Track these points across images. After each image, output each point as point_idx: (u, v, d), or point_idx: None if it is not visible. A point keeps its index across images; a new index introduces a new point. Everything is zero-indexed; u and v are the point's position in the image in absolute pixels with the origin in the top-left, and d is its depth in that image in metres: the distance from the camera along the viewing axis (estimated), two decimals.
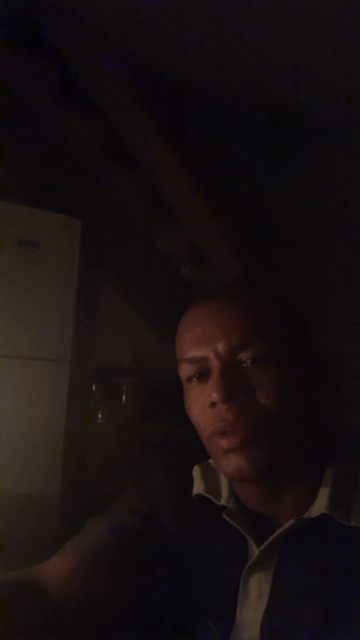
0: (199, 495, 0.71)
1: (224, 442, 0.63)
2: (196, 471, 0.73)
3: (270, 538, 0.64)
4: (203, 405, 0.65)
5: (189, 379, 0.67)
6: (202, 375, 0.66)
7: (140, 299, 2.74)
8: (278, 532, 0.64)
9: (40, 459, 1.91)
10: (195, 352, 0.66)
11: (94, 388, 2.48)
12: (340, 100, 2.19)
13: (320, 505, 0.63)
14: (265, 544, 0.64)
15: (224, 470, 0.65)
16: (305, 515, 0.64)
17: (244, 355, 0.64)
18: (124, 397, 2.50)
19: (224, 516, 0.67)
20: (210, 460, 0.74)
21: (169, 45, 1.99)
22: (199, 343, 0.66)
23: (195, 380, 0.66)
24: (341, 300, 2.36)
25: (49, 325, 1.98)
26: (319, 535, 0.63)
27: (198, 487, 0.71)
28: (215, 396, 0.62)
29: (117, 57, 2.03)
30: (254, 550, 0.65)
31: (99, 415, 2.42)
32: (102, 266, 2.63)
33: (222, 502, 0.69)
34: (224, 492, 0.70)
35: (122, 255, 2.60)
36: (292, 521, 0.63)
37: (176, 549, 0.71)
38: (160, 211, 2.38)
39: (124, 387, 2.51)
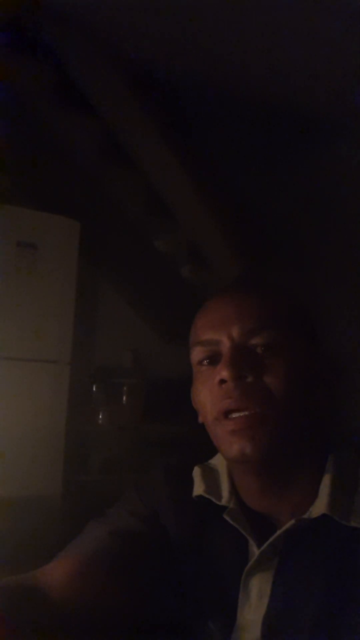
0: (200, 497, 0.71)
1: (229, 424, 0.64)
2: (196, 472, 0.73)
3: (271, 539, 0.64)
4: (211, 386, 0.66)
5: (200, 362, 0.69)
6: (213, 359, 0.67)
7: (140, 300, 2.74)
8: (278, 532, 0.64)
9: (42, 460, 1.91)
10: (209, 335, 0.68)
11: (94, 389, 2.48)
12: (340, 100, 2.19)
13: (320, 506, 0.63)
14: (265, 544, 0.64)
15: (227, 453, 0.66)
16: (306, 516, 0.64)
17: (256, 341, 0.66)
18: (124, 398, 2.50)
19: (225, 517, 0.67)
20: (211, 461, 0.75)
21: (166, 45, 1.99)
22: (214, 327, 0.68)
23: (206, 364, 0.68)
24: (341, 299, 2.36)
25: (48, 326, 1.98)
26: (319, 536, 0.64)
27: (198, 488, 0.71)
28: (224, 373, 0.64)
29: (114, 57, 2.03)
30: (255, 551, 0.66)
31: (100, 416, 2.42)
32: (101, 267, 2.63)
33: (223, 502, 0.69)
34: (225, 493, 0.70)
35: (121, 256, 2.60)
36: (292, 521, 0.64)
37: (177, 550, 0.71)
38: (159, 211, 2.38)
39: (124, 388, 2.51)
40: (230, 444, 0.64)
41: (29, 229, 1.97)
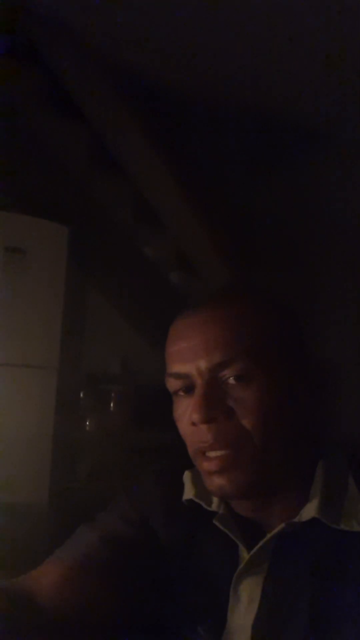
0: (190, 501, 0.71)
1: (206, 464, 0.64)
2: (187, 476, 0.73)
3: (261, 543, 0.64)
4: (188, 421, 0.65)
5: (176, 393, 0.67)
6: (188, 389, 0.66)
7: (129, 306, 2.73)
8: (268, 536, 0.64)
9: (28, 467, 1.89)
10: (178, 368, 0.66)
11: (82, 395, 2.47)
12: (331, 105, 2.21)
13: (310, 509, 0.63)
14: (255, 548, 0.64)
15: (208, 488, 0.66)
16: (296, 519, 0.64)
17: (227, 373, 0.63)
18: (112, 405, 2.49)
19: (215, 522, 0.67)
20: None
21: (157, 52, 2.00)
22: (183, 359, 0.65)
23: (182, 393, 0.66)
24: (333, 305, 2.37)
25: (36, 332, 1.97)
26: (309, 539, 0.64)
27: (189, 493, 0.71)
28: (195, 417, 0.62)
29: (103, 63, 2.04)
30: (245, 555, 0.65)
31: (88, 423, 2.41)
32: (90, 273, 2.63)
33: (213, 507, 0.69)
34: (215, 498, 0.70)
35: (109, 261, 2.59)
36: (282, 525, 0.63)
37: (167, 555, 0.71)
38: (147, 218, 2.38)
39: (113, 394, 2.50)
40: (210, 480, 0.64)
41: (17, 234, 1.96)
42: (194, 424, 0.63)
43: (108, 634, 0.64)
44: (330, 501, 0.64)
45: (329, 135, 2.33)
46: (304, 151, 2.38)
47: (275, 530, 0.64)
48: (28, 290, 1.96)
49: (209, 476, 0.64)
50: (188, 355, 0.65)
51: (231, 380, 0.63)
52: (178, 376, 0.66)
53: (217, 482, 0.63)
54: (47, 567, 0.67)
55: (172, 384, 0.67)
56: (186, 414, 0.65)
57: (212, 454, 0.63)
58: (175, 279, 2.50)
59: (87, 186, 2.26)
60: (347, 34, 1.75)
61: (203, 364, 0.64)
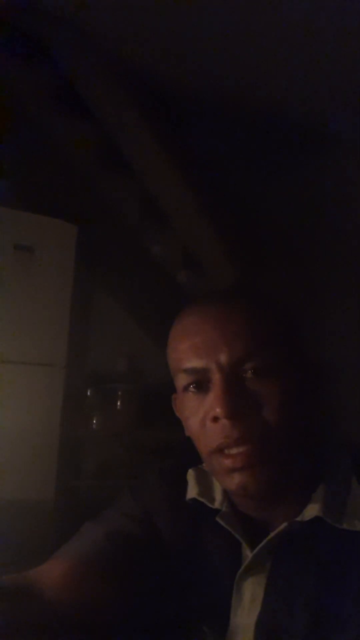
0: (193, 500, 0.71)
1: (228, 462, 0.61)
2: (190, 475, 0.73)
3: (264, 542, 0.64)
4: (203, 418, 0.63)
5: (186, 388, 0.65)
6: (200, 385, 0.64)
7: (136, 304, 2.74)
8: (271, 535, 0.64)
9: (35, 464, 1.90)
10: (194, 363, 0.63)
11: (88, 393, 2.47)
12: (336, 106, 2.21)
13: (313, 509, 0.63)
14: (258, 547, 0.64)
15: (227, 487, 0.64)
16: (298, 519, 0.64)
17: (247, 367, 0.62)
18: (119, 403, 2.50)
19: (218, 520, 0.67)
20: (204, 464, 0.75)
21: (166, 51, 2.00)
22: (199, 353, 0.63)
23: (193, 389, 0.64)
24: (337, 306, 2.36)
25: (44, 330, 1.97)
26: (312, 539, 0.64)
27: (192, 491, 0.71)
28: (219, 411, 0.60)
29: (113, 62, 2.04)
30: (248, 554, 0.66)
31: (94, 421, 2.41)
32: (98, 271, 2.63)
33: (216, 505, 0.69)
34: (218, 496, 0.70)
35: (117, 260, 2.60)
36: (285, 524, 0.64)
37: (170, 553, 0.71)
38: (155, 217, 2.39)
39: (119, 393, 2.50)
40: (230, 479, 0.62)
41: (26, 232, 1.97)
42: (215, 419, 0.61)
43: (112, 631, 0.65)
44: (334, 501, 0.64)
45: (335, 135, 2.33)
46: (310, 151, 2.38)
47: (278, 529, 0.64)
48: (36, 288, 1.97)
49: (228, 474, 0.61)
50: (205, 350, 0.62)
51: (249, 375, 0.62)
52: (193, 371, 0.63)
53: (239, 479, 0.61)
54: (52, 563, 0.67)
55: (183, 380, 0.65)
56: (199, 411, 0.63)
57: (235, 450, 0.61)
58: (182, 277, 2.50)
59: (95, 185, 2.26)
60: (349, 33, 1.75)
61: (224, 358, 0.62)
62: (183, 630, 0.67)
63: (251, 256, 2.55)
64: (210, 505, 0.69)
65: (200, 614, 0.67)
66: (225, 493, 0.70)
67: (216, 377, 0.62)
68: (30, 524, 1.79)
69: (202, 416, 0.63)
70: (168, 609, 0.68)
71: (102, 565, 0.66)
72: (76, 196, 2.27)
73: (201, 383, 0.64)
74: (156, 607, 0.68)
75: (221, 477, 0.64)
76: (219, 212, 2.51)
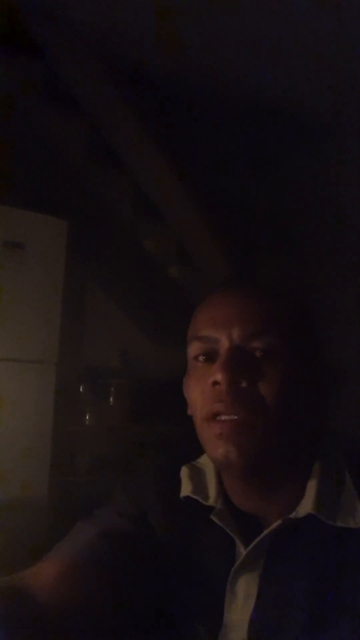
0: (187, 498, 0.71)
1: (216, 428, 0.63)
2: (184, 472, 0.73)
3: (257, 539, 0.64)
4: (204, 385, 0.65)
5: (196, 358, 0.68)
6: (210, 356, 0.66)
7: (128, 300, 2.73)
8: (265, 532, 0.64)
9: (28, 461, 1.89)
10: (208, 332, 0.67)
11: (81, 389, 2.47)
12: (330, 98, 2.21)
13: (306, 506, 0.63)
14: (252, 544, 0.64)
15: (211, 455, 0.66)
16: (292, 516, 0.64)
17: (256, 344, 0.64)
18: (112, 398, 2.49)
19: (212, 517, 0.67)
20: (199, 460, 0.74)
21: (157, 45, 1.99)
22: (215, 324, 0.66)
23: (202, 359, 0.67)
24: (334, 302, 2.36)
25: (35, 326, 1.97)
26: (305, 536, 0.64)
27: (186, 489, 0.71)
28: (219, 376, 0.63)
29: (103, 56, 2.03)
30: (242, 551, 0.66)
31: (87, 417, 2.41)
32: (89, 267, 2.62)
33: (210, 502, 0.69)
34: (212, 492, 0.70)
35: (109, 255, 2.59)
36: (279, 521, 0.64)
37: (164, 551, 0.71)
38: (147, 211, 2.38)
39: (112, 388, 2.50)
40: (215, 446, 0.64)
41: (16, 228, 1.96)
42: (214, 383, 0.63)
43: (106, 630, 0.64)
44: (327, 498, 0.64)
45: (327, 127, 2.32)
46: (302, 143, 2.37)
47: (272, 527, 0.64)
48: (27, 284, 1.96)
49: (215, 441, 0.63)
50: (221, 322, 0.66)
51: (258, 354, 0.64)
52: (206, 340, 0.66)
53: (223, 447, 0.62)
54: (45, 564, 0.67)
55: (195, 349, 0.68)
56: (203, 379, 0.65)
57: (226, 417, 0.63)
58: (175, 273, 2.50)
59: (86, 180, 2.25)
60: (346, 29, 1.74)
61: (236, 332, 0.65)
62: (177, 627, 0.67)
63: (244, 251, 2.55)
64: (204, 503, 0.69)
65: (194, 612, 0.67)
66: (220, 489, 0.70)
67: (224, 347, 0.65)
68: (23, 520, 1.79)
69: (204, 383, 0.65)
70: (162, 606, 0.68)
71: (95, 565, 0.66)
72: (67, 191, 2.26)
73: (211, 354, 0.66)
74: (150, 605, 0.68)
75: (208, 445, 0.65)
76: (212, 206, 2.50)
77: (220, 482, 0.70)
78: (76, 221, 2.10)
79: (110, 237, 2.47)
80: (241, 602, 0.65)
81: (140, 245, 2.47)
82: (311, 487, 0.65)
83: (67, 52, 2.00)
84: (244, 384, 0.63)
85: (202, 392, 0.65)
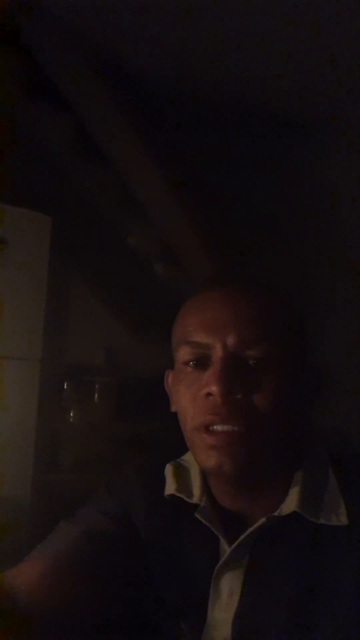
0: (171, 495, 0.70)
1: (211, 439, 0.62)
2: (168, 470, 0.72)
3: (242, 536, 0.64)
4: (195, 393, 0.63)
5: (186, 363, 0.65)
6: (200, 362, 0.64)
7: (113, 297, 2.72)
8: (249, 530, 0.64)
9: (11, 459, 1.88)
10: (201, 337, 0.64)
11: (65, 387, 2.45)
12: (319, 98, 2.21)
13: (290, 504, 0.64)
14: (236, 542, 0.64)
15: (203, 464, 0.65)
16: (276, 514, 0.64)
17: (250, 353, 0.62)
18: (96, 396, 2.48)
19: (196, 515, 0.67)
20: (183, 457, 0.74)
21: (141, 39, 1.98)
22: (207, 329, 0.64)
23: (192, 365, 0.65)
24: (321, 301, 2.37)
25: (18, 323, 1.95)
26: (289, 534, 0.64)
27: (170, 488, 0.71)
28: (214, 388, 0.61)
29: (87, 50, 2.01)
30: (226, 549, 0.65)
31: (71, 414, 2.39)
32: (73, 263, 2.60)
33: (195, 500, 0.69)
34: (196, 491, 0.70)
35: (93, 252, 2.57)
36: (263, 519, 0.64)
37: (148, 549, 0.70)
38: (131, 208, 2.36)
39: (96, 386, 2.49)
40: (208, 456, 0.62)
41: None
42: (208, 395, 0.61)
43: (89, 629, 0.64)
44: (311, 495, 0.64)
45: (313, 124, 2.33)
46: (288, 140, 2.38)
47: (256, 525, 0.64)
48: (10, 281, 1.94)
49: (208, 451, 0.62)
50: (215, 326, 0.63)
51: (252, 362, 0.62)
52: (197, 345, 0.64)
53: (217, 458, 0.61)
54: (27, 564, 0.66)
55: (185, 354, 0.65)
56: (193, 386, 0.63)
57: (220, 427, 0.61)
58: (160, 270, 2.49)
59: (70, 175, 2.23)
60: (345, 29, 1.75)
61: (231, 339, 0.62)
62: (161, 625, 0.67)
63: (229, 248, 2.55)
64: (188, 500, 0.69)
65: (178, 610, 0.67)
66: (204, 487, 0.69)
67: (218, 355, 0.62)
68: (5, 518, 1.77)
69: (195, 390, 0.63)
70: (146, 605, 0.68)
71: (78, 565, 0.66)
72: (51, 187, 2.23)
73: (202, 360, 0.64)
74: (134, 603, 0.68)
75: (199, 453, 0.64)
76: (197, 203, 2.50)
77: (205, 480, 0.70)
78: (60, 217, 2.09)
79: (94, 233, 2.45)
80: (225, 599, 0.65)
81: (124, 241, 2.45)
82: (295, 486, 0.65)
83: (51, 44, 1.97)
84: (238, 395, 0.61)
85: (194, 400, 0.64)
